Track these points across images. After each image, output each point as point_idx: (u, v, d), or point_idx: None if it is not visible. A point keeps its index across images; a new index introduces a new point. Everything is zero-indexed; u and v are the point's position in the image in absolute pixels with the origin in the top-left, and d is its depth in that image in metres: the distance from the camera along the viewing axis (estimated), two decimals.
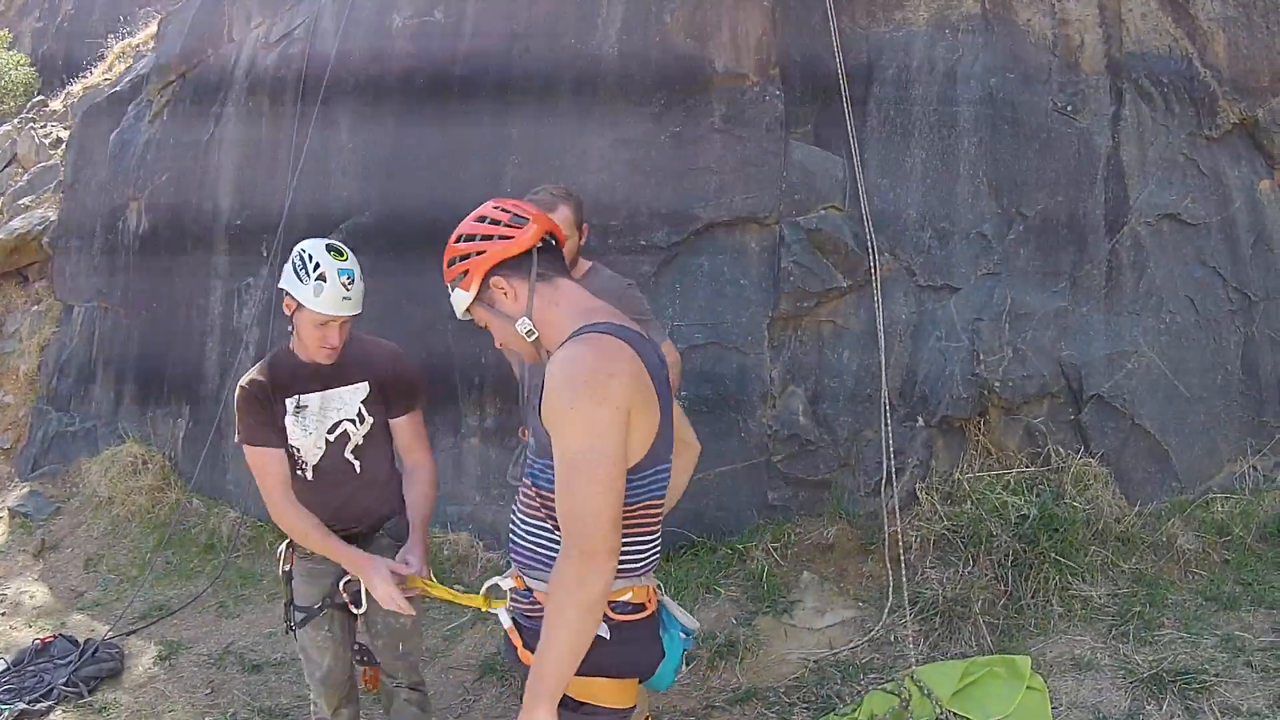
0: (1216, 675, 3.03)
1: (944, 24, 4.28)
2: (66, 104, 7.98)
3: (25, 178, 7.21)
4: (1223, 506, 3.90)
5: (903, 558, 3.37)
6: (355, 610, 2.40)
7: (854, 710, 2.98)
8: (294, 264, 2.28)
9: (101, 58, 7.94)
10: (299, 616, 2.50)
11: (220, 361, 5.24)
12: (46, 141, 7.61)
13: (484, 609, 1.84)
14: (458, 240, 1.67)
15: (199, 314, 5.39)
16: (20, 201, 7.01)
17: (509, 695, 3.40)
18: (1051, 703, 2.96)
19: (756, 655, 3.41)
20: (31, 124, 7.92)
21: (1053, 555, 3.49)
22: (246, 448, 2.35)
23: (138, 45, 7.56)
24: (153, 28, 7.17)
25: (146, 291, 5.69)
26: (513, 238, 1.62)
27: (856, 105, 4.11)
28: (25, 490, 5.72)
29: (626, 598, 1.58)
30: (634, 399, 1.47)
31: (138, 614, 4.45)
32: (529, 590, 1.65)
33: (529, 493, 1.63)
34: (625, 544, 1.54)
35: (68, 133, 7.28)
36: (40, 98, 8.89)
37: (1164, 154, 4.19)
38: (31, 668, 3.85)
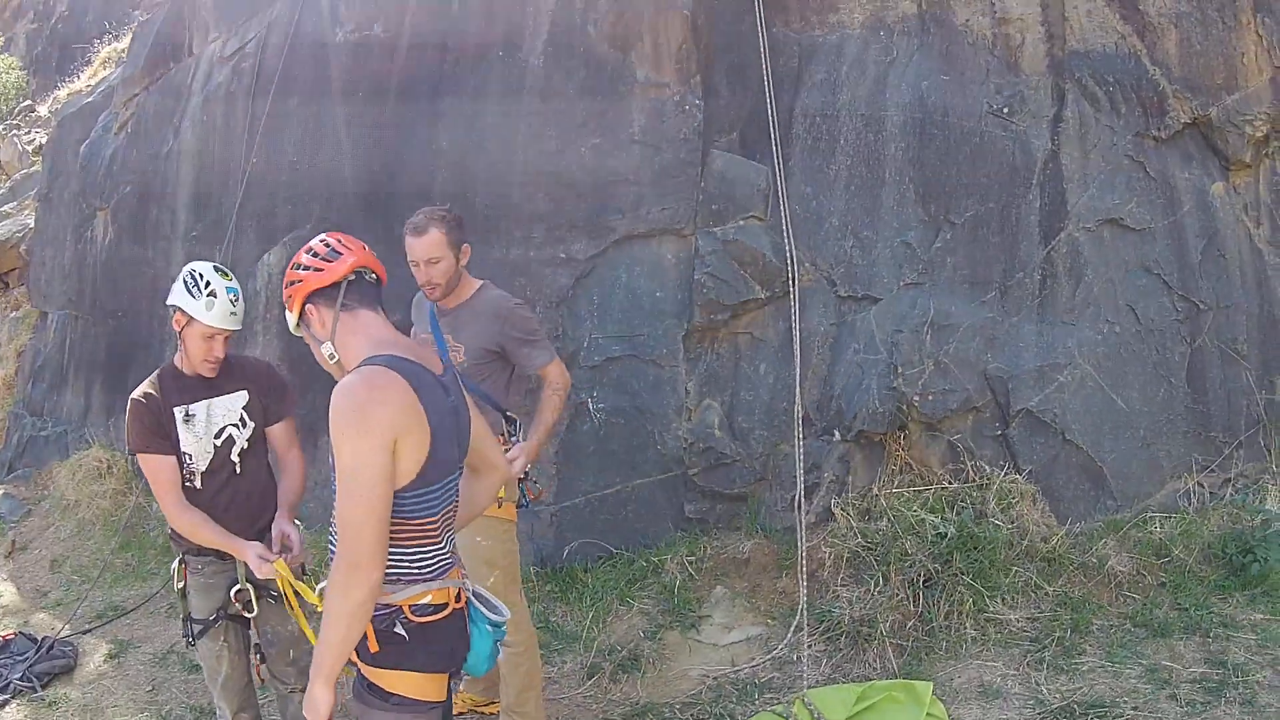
0: (1135, 709, 2.90)
1: (879, 26, 4.16)
2: (52, 109, 8.08)
3: (7, 184, 7.38)
4: (1161, 526, 3.71)
5: (805, 575, 3.30)
6: (248, 615, 2.62)
7: None
8: (185, 282, 2.50)
9: (88, 63, 8.00)
10: (197, 629, 2.66)
11: None
12: (30, 148, 7.76)
13: (319, 609, 1.97)
14: (290, 268, 1.86)
15: (159, 323, 5.49)
16: (2, 208, 7.17)
17: None
18: None
19: (659, 670, 3.39)
20: (15, 130, 8.06)
21: (967, 577, 3.40)
22: (141, 455, 2.56)
23: (122, 51, 7.64)
24: None
25: (112, 300, 5.83)
26: (324, 270, 1.80)
27: (783, 110, 4.02)
28: (0, 492, 5.91)
29: (426, 600, 1.75)
30: (400, 427, 1.63)
31: (95, 613, 4.59)
32: None
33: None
34: (407, 554, 1.73)
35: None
36: (28, 103, 8.98)
37: (1108, 156, 4.02)
38: None
